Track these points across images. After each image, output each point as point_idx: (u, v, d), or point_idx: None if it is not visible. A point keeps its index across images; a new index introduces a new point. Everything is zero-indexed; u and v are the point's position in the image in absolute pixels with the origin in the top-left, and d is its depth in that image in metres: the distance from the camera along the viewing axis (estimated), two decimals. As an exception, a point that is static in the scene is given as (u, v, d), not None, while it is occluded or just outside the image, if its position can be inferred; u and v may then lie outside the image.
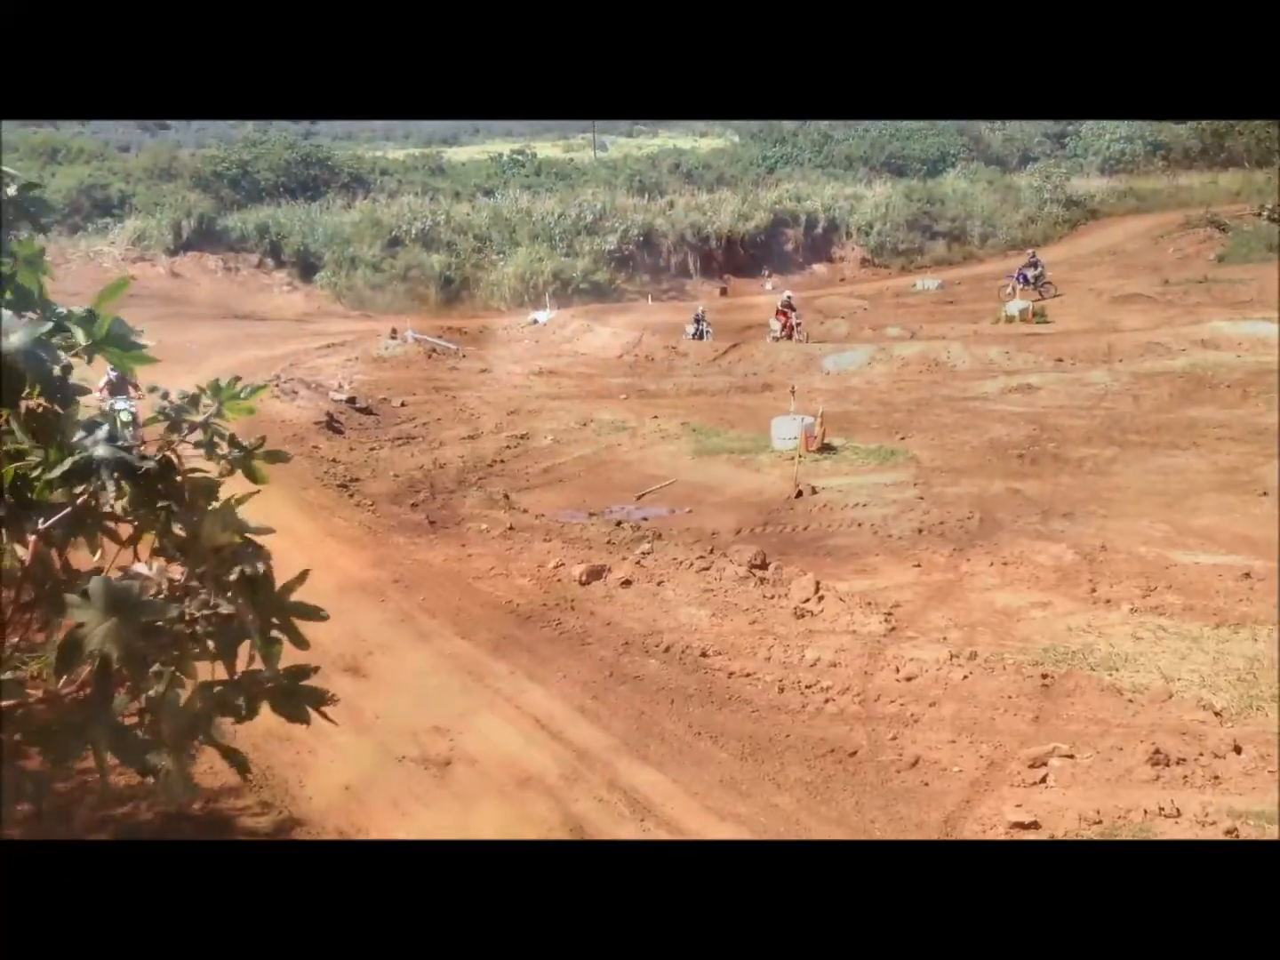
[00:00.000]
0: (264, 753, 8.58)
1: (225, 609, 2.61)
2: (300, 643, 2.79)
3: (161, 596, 2.56)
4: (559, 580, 12.18)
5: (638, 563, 12.44)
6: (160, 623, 2.52)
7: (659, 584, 11.92)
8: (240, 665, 2.79)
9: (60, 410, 2.74)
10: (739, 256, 47.26)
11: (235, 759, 2.94)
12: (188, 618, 2.58)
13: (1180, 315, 30.08)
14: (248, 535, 2.72)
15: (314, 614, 2.77)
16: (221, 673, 2.82)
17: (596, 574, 12.12)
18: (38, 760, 6.02)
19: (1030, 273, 35.07)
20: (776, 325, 30.67)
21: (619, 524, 14.08)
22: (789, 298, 31.98)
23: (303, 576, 2.79)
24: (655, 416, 20.97)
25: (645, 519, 14.86)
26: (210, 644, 2.66)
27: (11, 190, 3.39)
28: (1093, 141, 64.75)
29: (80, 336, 2.81)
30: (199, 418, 2.84)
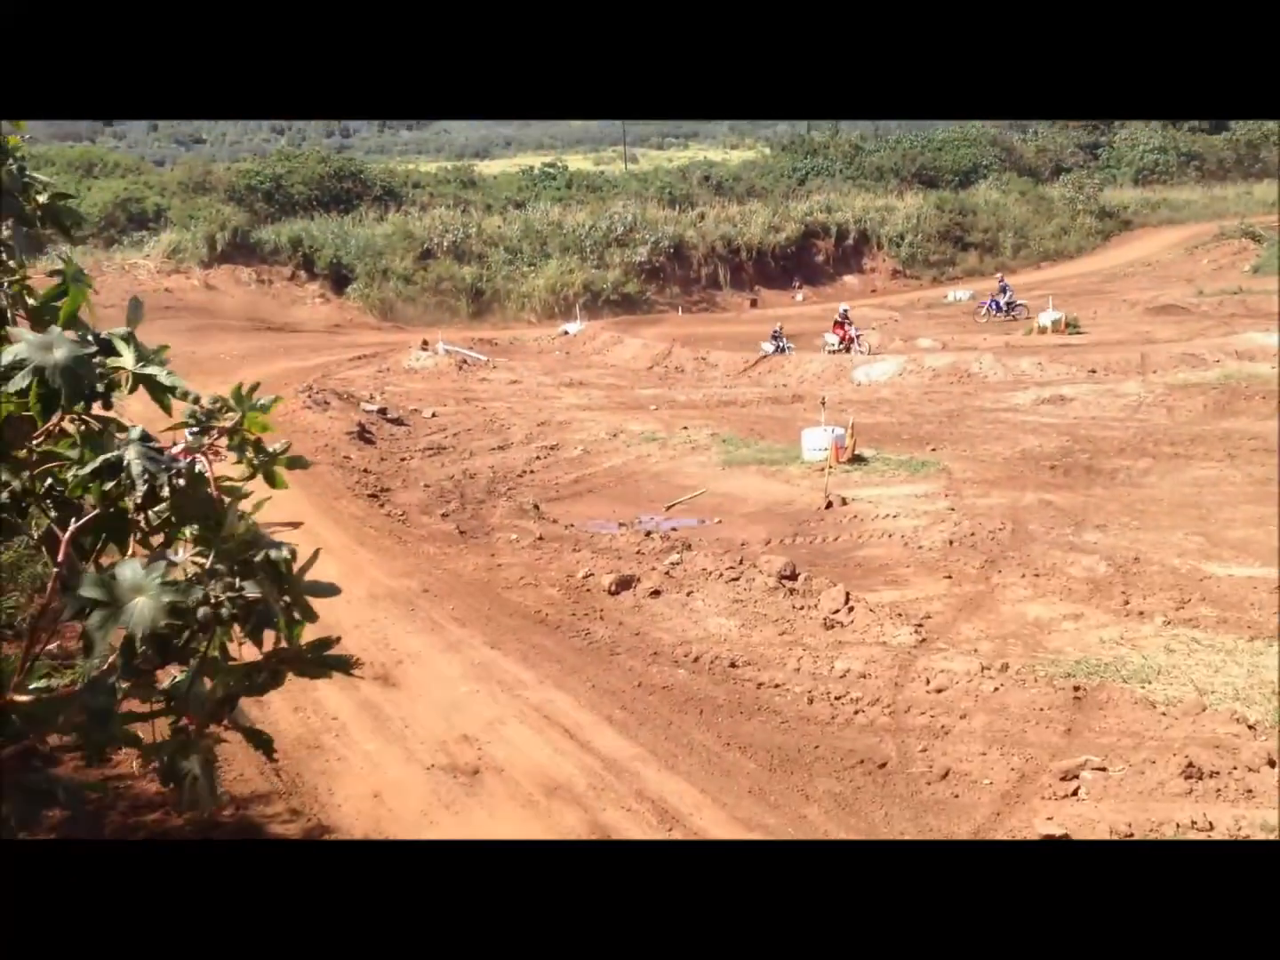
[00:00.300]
0: (293, 760, 8.64)
1: (250, 592, 2.65)
2: (311, 619, 2.85)
3: (187, 580, 2.60)
4: (588, 590, 12.20)
5: (667, 573, 12.43)
6: (185, 604, 2.55)
7: (688, 594, 11.91)
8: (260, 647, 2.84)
9: (97, 426, 2.78)
10: (769, 268, 47.37)
11: (260, 740, 2.97)
12: (213, 600, 2.61)
13: (1215, 326, 29.90)
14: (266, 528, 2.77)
15: (329, 591, 2.83)
16: (242, 657, 2.85)
17: (626, 584, 12.13)
18: (70, 766, 6.07)
19: (1001, 299, 34.96)
20: (834, 339, 30.13)
21: (648, 534, 14.08)
22: (845, 310, 31.65)
23: (315, 556, 2.83)
24: (685, 427, 20.97)
25: (675, 529, 14.85)
26: (235, 627, 2.70)
27: (43, 199, 3.44)
28: (1126, 152, 64.48)
29: (127, 359, 2.86)
30: (228, 423, 2.88)
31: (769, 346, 30.20)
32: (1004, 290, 35.58)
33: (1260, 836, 7.14)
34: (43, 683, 3.22)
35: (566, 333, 36.19)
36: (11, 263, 3.33)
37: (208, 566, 2.62)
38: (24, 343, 2.67)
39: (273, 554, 2.67)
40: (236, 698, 2.83)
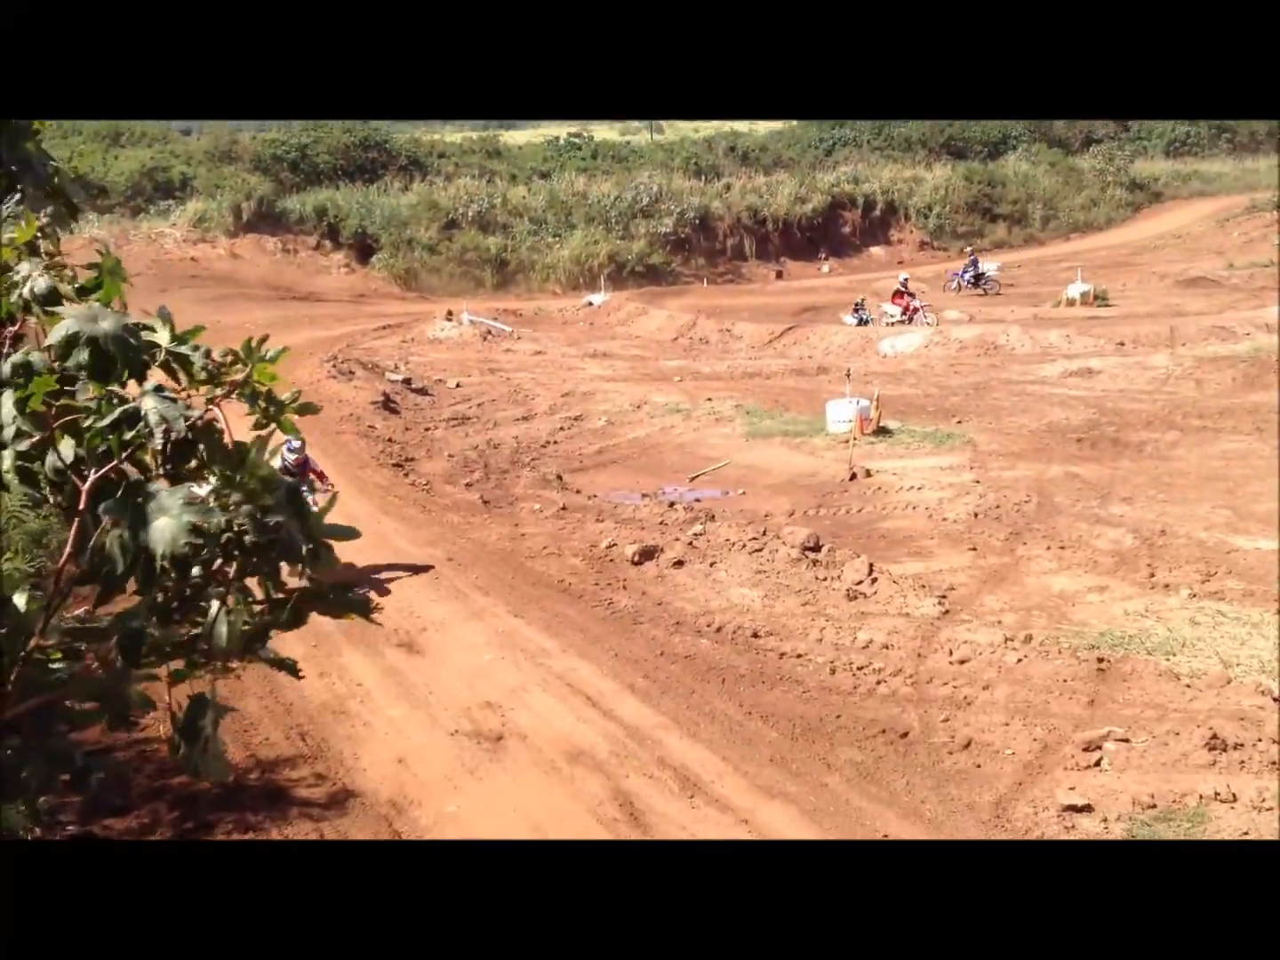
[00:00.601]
0: (319, 725, 8.73)
1: (272, 518, 2.69)
2: (332, 563, 2.90)
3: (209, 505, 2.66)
4: (611, 560, 12.23)
5: (690, 543, 12.45)
6: (208, 526, 2.60)
7: (711, 565, 11.92)
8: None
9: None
10: (795, 239, 47.02)
11: (287, 665, 3.04)
12: (236, 527, 2.65)
13: (1245, 299, 29.55)
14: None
15: (349, 534, 2.88)
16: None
17: (649, 554, 12.15)
18: (97, 731, 6.14)
19: (970, 273, 34.61)
20: (895, 309, 29.50)
21: (672, 505, 14.08)
22: (905, 279, 31.13)
23: (333, 499, 2.90)
24: (709, 399, 20.92)
25: (698, 500, 14.86)
26: (254, 559, 2.74)
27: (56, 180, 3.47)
28: (1157, 124, 63.63)
29: (163, 336, 2.90)
30: (238, 375, 2.94)
31: (851, 319, 29.54)
32: (974, 264, 35.41)
33: (1284, 809, 7.13)
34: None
35: (591, 304, 36.07)
36: (46, 244, 3.36)
37: (231, 499, 2.67)
38: (71, 318, 2.72)
39: (291, 489, 2.74)
40: (265, 633, 2.89)
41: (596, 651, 9.88)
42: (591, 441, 18.70)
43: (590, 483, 16.03)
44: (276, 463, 10.02)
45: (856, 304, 29.95)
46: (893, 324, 29.01)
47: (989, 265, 41.18)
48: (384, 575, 11.68)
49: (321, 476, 11.78)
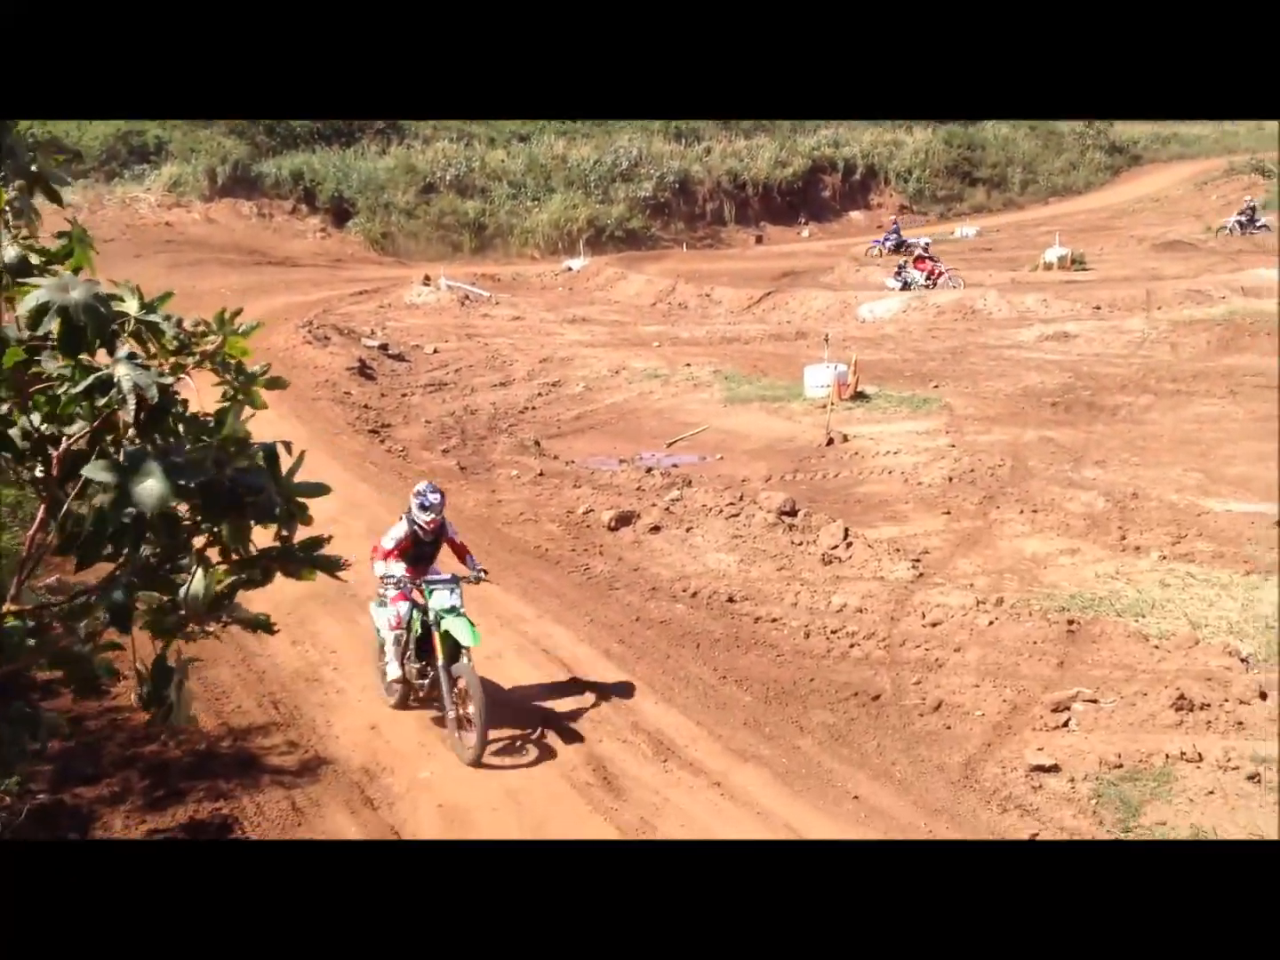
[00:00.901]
0: (291, 693, 8.73)
1: (251, 479, 2.75)
2: (306, 520, 2.94)
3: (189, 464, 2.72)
4: (588, 526, 12.24)
5: (667, 509, 12.46)
6: (190, 485, 2.64)
7: (688, 530, 11.95)
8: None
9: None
10: (775, 204, 46.85)
11: (260, 623, 3.07)
12: (218, 483, 2.73)
13: (1221, 262, 29.64)
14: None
15: (319, 491, 2.91)
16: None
17: (625, 520, 12.17)
18: (68, 700, 6.13)
19: (893, 240, 34.54)
20: (919, 275, 29.05)
21: (649, 471, 14.09)
22: (927, 243, 31.05)
23: (301, 457, 2.91)
24: (688, 364, 20.89)
25: (675, 466, 14.87)
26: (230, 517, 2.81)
27: (35, 167, 3.46)
28: (1138, 85, 63.40)
29: (131, 306, 2.90)
30: (210, 346, 2.94)
31: (894, 283, 29.24)
32: (895, 231, 35.42)
33: (1250, 769, 7.21)
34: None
35: (570, 269, 35.93)
36: (19, 223, 3.37)
37: (209, 459, 2.71)
38: (43, 287, 2.73)
39: (266, 450, 2.79)
40: (234, 592, 2.93)
41: (572, 617, 9.90)
42: (569, 407, 18.66)
43: (568, 448, 16.01)
44: (399, 528, 8.10)
45: (899, 267, 29.64)
46: (922, 288, 28.66)
47: (970, 229, 41.21)
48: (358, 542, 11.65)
49: (463, 552, 8.35)
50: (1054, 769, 7.41)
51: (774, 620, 9.81)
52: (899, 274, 29.33)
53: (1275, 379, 17.70)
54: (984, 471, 13.88)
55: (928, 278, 29.01)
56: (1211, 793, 7.01)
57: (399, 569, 8.07)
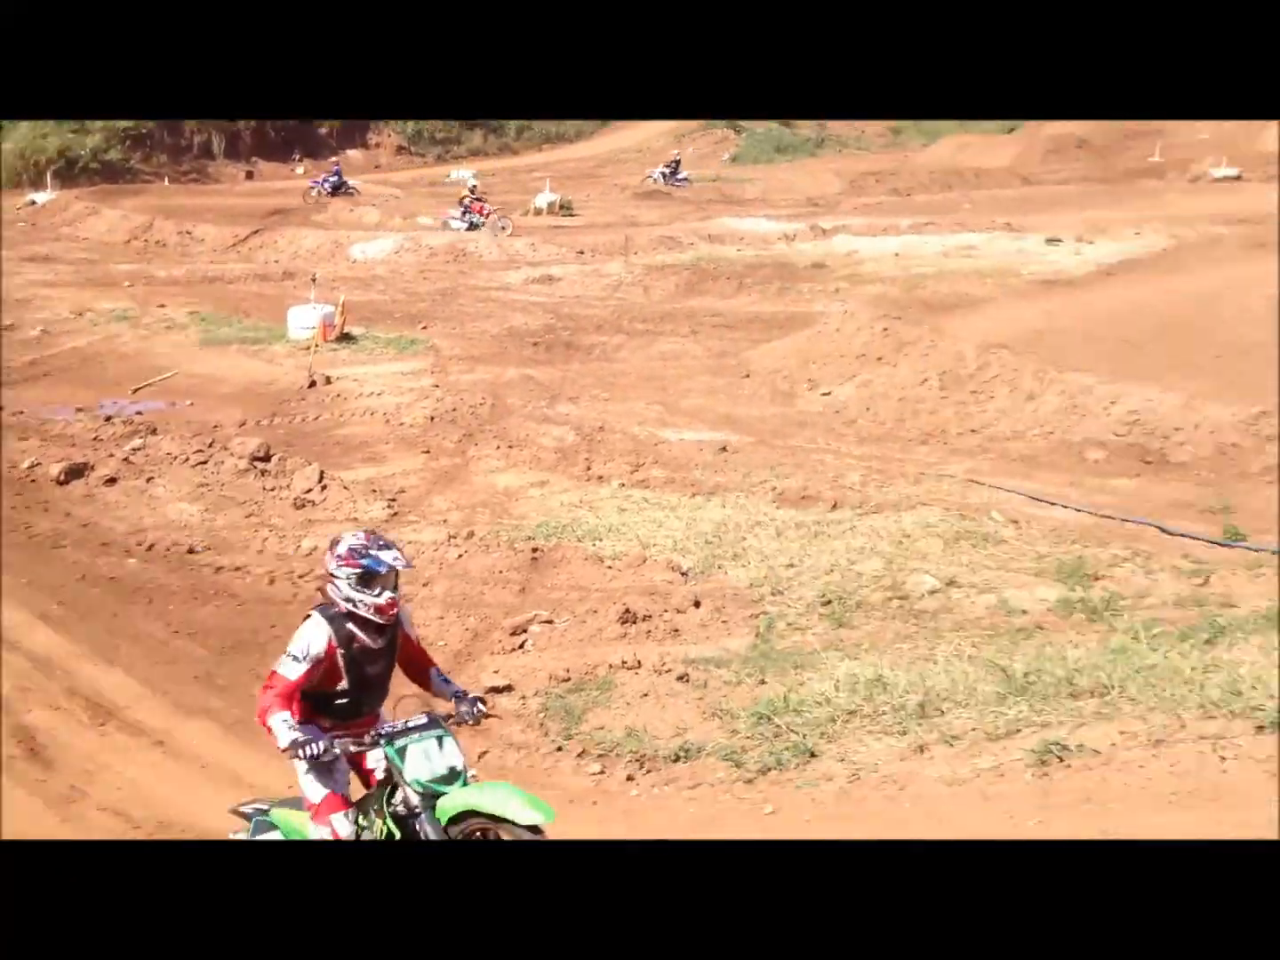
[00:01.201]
0: None
1: None
2: None
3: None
4: (34, 481, 11.20)
5: (126, 459, 11.66)
6: None
7: (148, 480, 11.25)
8: None
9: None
10: (269, 138, 44.97)
11: None
12: None
13: (693, 211, 32.00)
14: None
15: None
16: None
17: (77, 473, 11.25)
18: None
19: (330, 181, 35.23)
20: (478, 218, 28.18)
21: (109, 419, 13.10)
22: (475, 185, 30.33)
23: None
24: (162, 305, 19.65)
25: (140, 414, 13.91)
26: None
27: None
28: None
29: None
30: None
31: (458, 223, 28.15)
32: (336, 173, 35.78)
33: (680, 670, 7.83)
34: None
35: (34, 203, 32.85)
36: None
37: None
38: None
39: None
40: None
41: (6, 581, 9.02)
42: (22, 353, 16.94)
43: (18, 398, 14.50)
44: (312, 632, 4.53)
45: (463, 208, 28.73)
46: (471, 229, 28.15)
47: (466, 172, 41.68)
48: None
49: (427, 663, 5.26)
50: (507, 689, 7.71)
51: (238, 569, 9.49)
52: (464, 216, 28.59)
53: (729, 319, 19.42)
54: (465, 410, 14.16)
55: (481, 216, 28.55)
56: (646, 695, 7.56)
57: (311, 733, 4.45)
